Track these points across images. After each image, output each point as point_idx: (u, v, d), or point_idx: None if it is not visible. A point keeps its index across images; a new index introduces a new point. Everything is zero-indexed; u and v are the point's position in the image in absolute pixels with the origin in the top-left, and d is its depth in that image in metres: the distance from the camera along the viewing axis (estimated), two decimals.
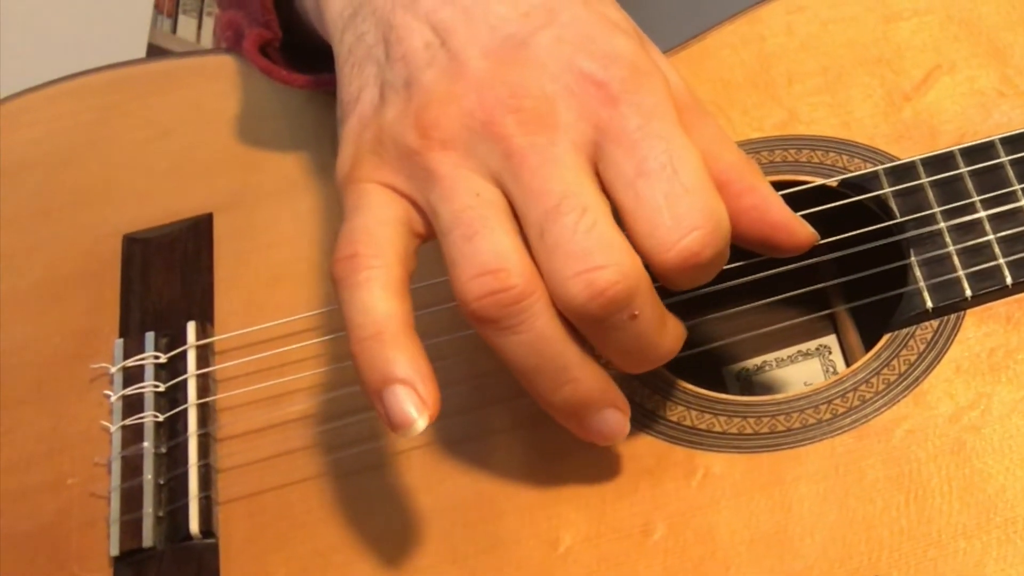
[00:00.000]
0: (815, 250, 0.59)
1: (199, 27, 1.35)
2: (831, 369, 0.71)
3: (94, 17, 1.27)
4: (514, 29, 0.55)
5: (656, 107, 0.53)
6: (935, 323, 0.61)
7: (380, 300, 0.53)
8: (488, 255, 0.52)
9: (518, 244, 0.53)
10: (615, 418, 0.56)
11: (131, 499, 0.63)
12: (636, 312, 0.53)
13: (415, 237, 0.55)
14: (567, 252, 0.52)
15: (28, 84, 0.80)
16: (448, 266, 0.53)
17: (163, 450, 0.65)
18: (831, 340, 0.72)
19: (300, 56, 0.73)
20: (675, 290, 0.55)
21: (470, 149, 0.53)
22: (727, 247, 0.54)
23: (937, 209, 0.63)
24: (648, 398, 0.62)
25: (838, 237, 0.63)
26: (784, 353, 0.72)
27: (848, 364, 0.69)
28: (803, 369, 0.71)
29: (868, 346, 0.64)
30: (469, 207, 0.53)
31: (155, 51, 1.30)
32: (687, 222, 0.52)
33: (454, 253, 0.53)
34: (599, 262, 0.51)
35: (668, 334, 0.55)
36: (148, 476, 0.64)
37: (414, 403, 0.53)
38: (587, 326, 0.53)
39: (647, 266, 0.53)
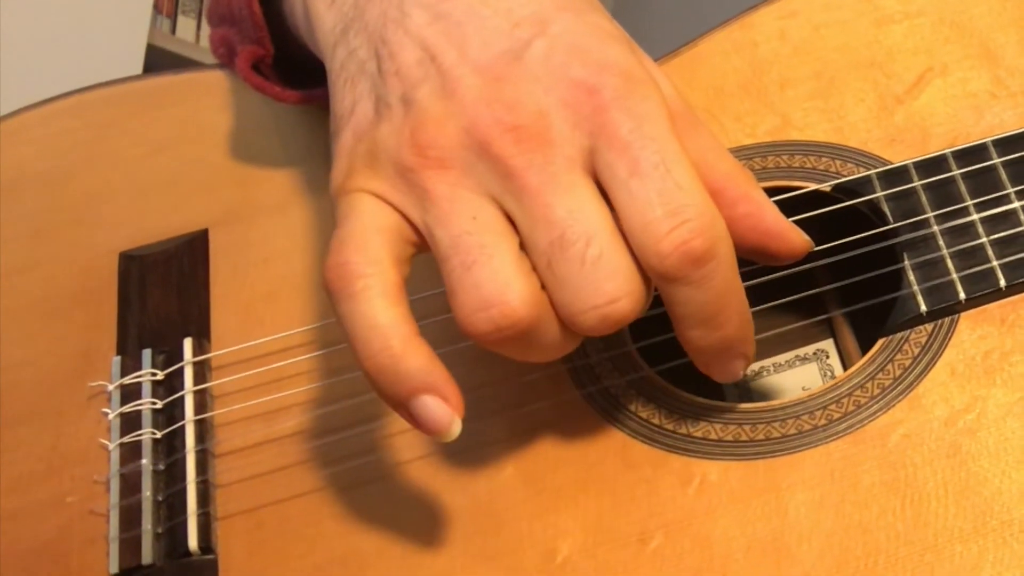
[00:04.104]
0: (810, 256, 0.59)
1: (198, 27, 1.36)
2: (829, 373, 0.71)
3: (94, 17, 1.27)
4: (507, 43, 0.54)
5: (649, 112, 0.53)
6: (929, 327, 0.61)
7: (381, 310, 0.53)
8: (489, 287, 0.52)
9: (519, 267, 0.52)
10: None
11: (130, 516, 0.64)
12: None
13: (408, 244, 0.55)
14: (577, 286, 0.52)
15: (25, 89, 0.80)
16: (448, 295, 0.53)
17: (161, 467, 0.65)
18: (828, 344, 0.71)
19: (293, 69, 0.73)
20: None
21: (467, 168, 0.53)
22: (724, 249, 0.53)
23: (930, 213, 0.63)
24: (643, 407, 0.62)
25: (832, 244, 0.63)
26: (782, 358, 0.72)
27: (846, 368, 0.69)
28: (801, 374, 0.71)
29: (865, 350, 0.64)
30: (467, 232, 0.52)
31: (154, 51, 1.31)
32: (680, 215, 0.52)
33: (453, 283, 0.53)
34: (612, 295, 0.52)
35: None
36: (147, 493, 0.64)
37: (444, 409, 0.53)
38: None
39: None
